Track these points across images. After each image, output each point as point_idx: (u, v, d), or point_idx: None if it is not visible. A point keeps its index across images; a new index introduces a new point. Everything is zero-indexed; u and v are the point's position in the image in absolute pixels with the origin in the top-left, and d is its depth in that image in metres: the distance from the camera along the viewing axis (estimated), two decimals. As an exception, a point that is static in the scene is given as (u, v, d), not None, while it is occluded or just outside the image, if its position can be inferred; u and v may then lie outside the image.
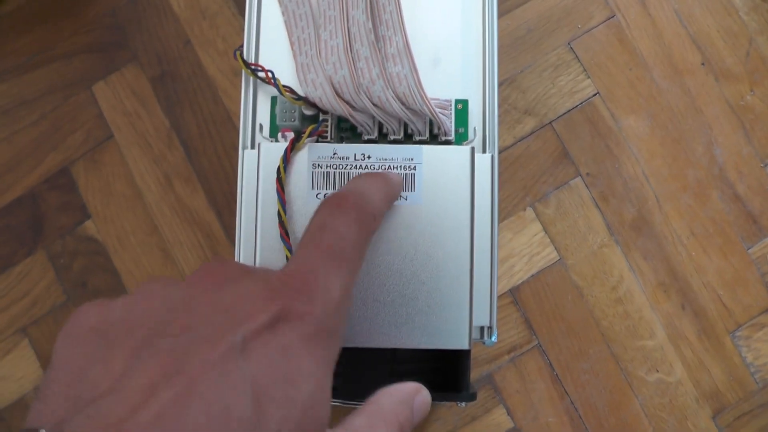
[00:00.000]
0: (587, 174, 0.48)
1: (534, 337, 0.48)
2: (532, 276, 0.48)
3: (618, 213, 0.48)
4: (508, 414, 0.47)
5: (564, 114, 0.49)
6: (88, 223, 0.50)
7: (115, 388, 0.16)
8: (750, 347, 0.47)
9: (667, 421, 0.47)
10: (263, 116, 0.33)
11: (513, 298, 0.48)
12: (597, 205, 0.48)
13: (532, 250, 0.48)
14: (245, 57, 0.33)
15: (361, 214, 0.22)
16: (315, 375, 0.18)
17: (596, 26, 0.49)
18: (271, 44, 0.34)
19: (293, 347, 0.18)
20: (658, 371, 0.47)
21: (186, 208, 0.49)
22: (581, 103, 0.49)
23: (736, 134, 0.48)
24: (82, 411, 0.16)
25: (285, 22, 0.33)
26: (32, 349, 0.49)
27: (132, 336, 0.18)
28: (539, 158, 0.48)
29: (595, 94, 0.49)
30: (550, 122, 0.49)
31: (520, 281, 0.48)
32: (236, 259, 0.32)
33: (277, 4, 0.34)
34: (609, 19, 0.49)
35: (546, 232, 0.48)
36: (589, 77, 0.49)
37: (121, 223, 0.50)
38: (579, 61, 0.49)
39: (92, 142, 0.50)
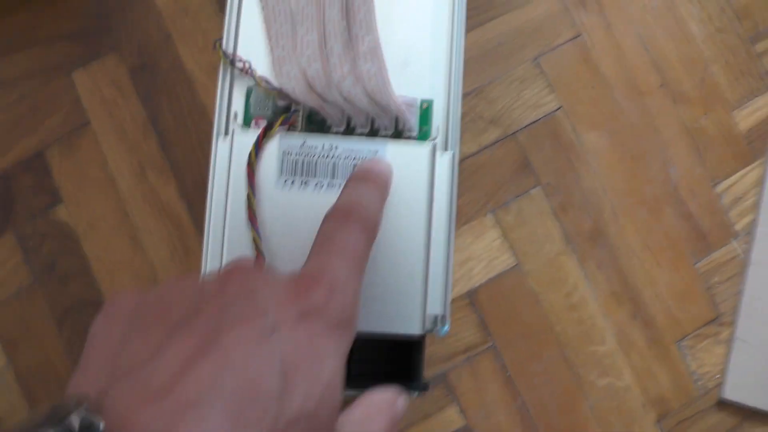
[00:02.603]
0: (547, 184, 0.50)
1: (489, 338, 0.49)
2: (490, 280, 0.50)
3: (575, 223, 0.50)
4: (461, 412, 0.48)
5: (528, 126, 0.51)
6: (60, 207, 0.51)
7: (154, 358, 0.18)
8: (694, 356, 0.49)
9: (614, 424, 0.48)
10: (238, 106, 0.34)
11: (470, 299, 0.49)
12: (555, 215, 0.50)
13: (491, 254, 0.50)
14: (224, 49, 0.34)
15: (365, 225, 0.25)
16: (335, 359, 0.20)
17: (563, 44, 0.52)
18: (250, 38, 0.35)
19: (318, 333, 0.20)
20: (608, 375, 0.49)
21: (158, 198, 0.50)
22: (545, 117, 0.51)
23: (690, 155, 0.51)
24: (124, 379, 0.17)
25: (264, 16, 0.35)
26: (-5, 331, 0.50)
27: (169, 315, 0.20)
28: (502, 167, 0.50)
29: (559, 109, 0.51)
30: (514, 133, 0.51)
31: (478, 284, 0.50)
32: (204, 241, 0.33)
33: (257, 2, 0.35)
34: (575, 38, 0.52)
35: (505, 238, 0.50)
36: (553, 92, 0.51)
37: (93, 209, 0.50)
38: (545, 76, 0.51)
39: (69, 127, 0.51)
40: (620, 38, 0.52)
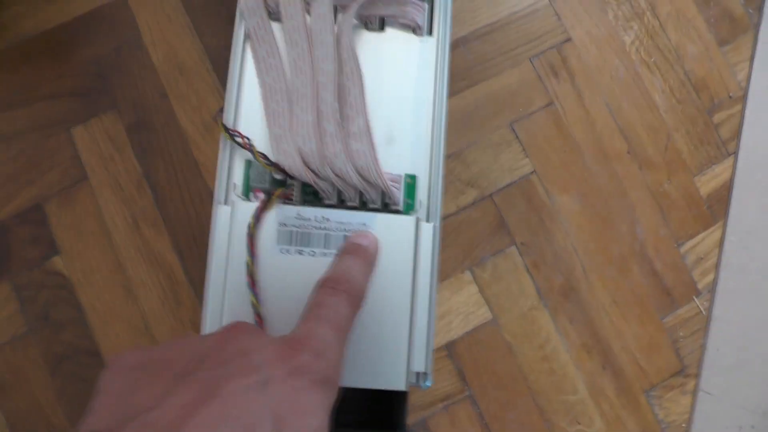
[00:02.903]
0: (522, 243, 0.54)
1: (466, 387, 0.52)
2: (467, 332, 0.52)
3: (548, 280, 0.53)
4: (440, 460, 0.51)
5: (503, 188, 0.54)
6: (56, 258, 0.52)
7: (159, 404, 0.21)
8: (661, 406, 0.52)
9: (583, 472, 0.51)
10: (237, 175, 0.37)
11: (449, 351, 0.52)
12: (529, 272, 0.53)
13: (468, 308, 0.53)
14: (225, 122, 0.37)
15: (351, 295, 0.29)
16: (320, 411, 0.23)
17: (536, 111, 0.55)
18: (248, 110, 0.38)
19: (305, 390, 0.23)
20: (579, 423, 0.51)
21: (150, 250, 0.52)
22: (519, 179, 0.54)
23: (655, 217, 0.54)
24: (131, 421, 0.20)
25: (262, 94, 0.37)
26: (-12, 377, 0.51)
27: (171, 368, 0.22)
28: (479, 226, 0.53)
29: (533, 172, 0.54)
30: (491, 195, 0.54)
31: (456, 336, 0.52)
32: (204, 301, 0.35)
33: (255, 76, 0.38)
34: (548, 105, 0.55)
35: (482, 294, 0.53)
36: (527, 156, 0.55)
37: (88, 260, 0.52)
38: (519, 141, 0.55)
39: (67, 182, 0.53)
40: (590, 107, 0.55)
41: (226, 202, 0.36)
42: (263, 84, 0.37)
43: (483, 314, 0.53)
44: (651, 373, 0.53)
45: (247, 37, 0.38)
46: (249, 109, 0.38)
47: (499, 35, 0.56)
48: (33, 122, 0.54)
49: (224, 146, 0.37)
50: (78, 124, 0.54)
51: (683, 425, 0.52)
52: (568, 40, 0.56)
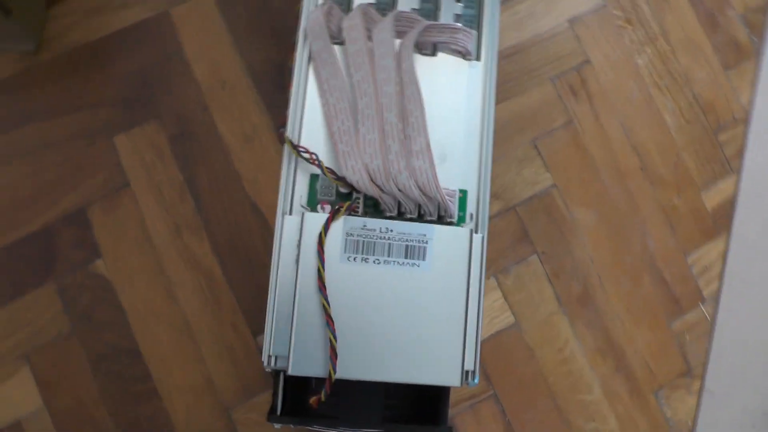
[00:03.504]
0: (543, 253, 0.57)
1: (491, 387, 0.55)
2: (491, 336, 0.56)
3: (566, 288, 0.57)
4: (466, 455, 0.54)
5: (526, 200, 0.58)
6: (99, 262, 0.55)
7: None
8: (669, 405, 0.56)
9: (598, 467, 0.55)
10: (302, 189, 0.40)
11: (476, 353, 0.55)
12: (549, 280, 0.57)
13: (492, 313, 0.56)
14: (291, 138, 0.40)
15: None
16: None
17: (557, 129, 0.59)
18: (310, 128, 0.41)
19: None
20: (594, 421, 0.55)
21: (191, 255, 0.55)
22: (541, 193, 0.58)
23: (665, 230, 0.58)
24: None
25: (325, 113, 0.41)
26: (32, 375, 0.53)
27: None
28: (503, 236, 0.57)
29: (553, 186, 0.58)
30: (514, 207, 0.58)
31: (482, 339, 0.56)
32: (270, 306, 0.38)
33: (317, 96, 0.41)
34: (568, 123, 0.59)
35: (505, 300, 0.56)
36: (548, 171, 0.58)
37: (130, 264, 0.55)
38: (541, 156, 0.59)
39: (110, 188, 0.56)
40: (606, 125, 0.59)
41: (290, 213, 0.39)
42: (326, 104, 0.41)
43: (506, 319, 0.56)
44: (660, 374, 0.57)
45: (310, 58, 0.42)
46: (310, 127, 0.41)
47: (523, 57, 0.60)
48: (77, 130, 0.56)
49: (288, 161, 0.40)
50: (121, 132, 0.56)
51: (689, 423, 0.56)
52: (587, 62, 0.60)
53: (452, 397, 0.54)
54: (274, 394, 0.43)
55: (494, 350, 0.56)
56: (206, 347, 0.54)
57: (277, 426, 0.44)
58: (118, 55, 0.58)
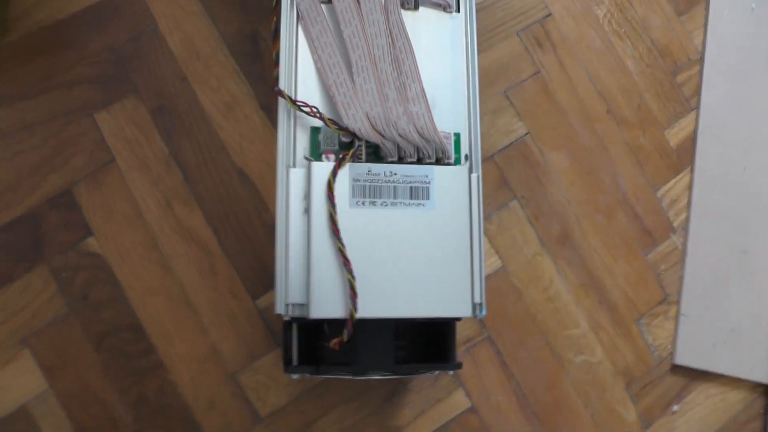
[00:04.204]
0: (522, 197, 0.60)
1: (485, 330, 0.58)
2: (481, 281, 0.58)
3: (546, 229, 0.60)
4: (467, 395, 0.56)
5: (502, 149, 0.60)
6: (90, 240, 0.55)
7: None
8: (650, 332, 0.60)
9: (591, 393, 0.58)
10: (304, 142, 0.41)
11: (469, 298, 0.58)
12: (531, 223, 0.60)
13: (480, 259, 0.59)
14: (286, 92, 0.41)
15: None
16: None
17: (526, 79, 0.62)
18: (304, 84, 0.42)
19: None
20: (583, 354, 0.58)
21: (184, 227, 0.56)
22: (516, 141, 0.61)
23: (634, 168, 0.62)
24: None
25: (318, 69, 0.42)
26: (33, 359, 0.53)
27: None
28: (484, 185, 0.58)
29: (527, 134, 0.61)
30: (492, 156, 0.60)
31: (472, 285, 0.58)
32: (279, 253, 0.39)
33: (308, 55, 0.43)
34: (535, 74, 0.62)
35: (491, 245, 0.59)
36: (521, 120, 0.61)
37: (122, 240, 0.55)
38: (513, 106, 0.61)
39: (94, 165, 0.56)
40: (571, 73, 0.62)
41: (294, 166, 0.41)
42: (319, 60, 0.42)
43: (494, 263, 0.59)
44: (639, 304, 0.60)
45: (299, 17, 0.43)
46: (304, 82, 0.42)
47: (488, 14, 0.62)
48: (53, 110, 0.56)
49: (286, 117, 0.42)
50: (100, 109, 0.56)
51: (668, 347, 0.60)
52: (549, 15, 0.63)
53: (449, 342, 0.56)
54: (286, 348, 0.45)
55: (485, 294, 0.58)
56: (207, 316, 0.55)
57: (294, 376, 0.46)
58: (88, 32, 0.57)
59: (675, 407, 0.59)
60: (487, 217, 0.59)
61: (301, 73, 0.42)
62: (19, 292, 0.53)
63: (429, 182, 0.40)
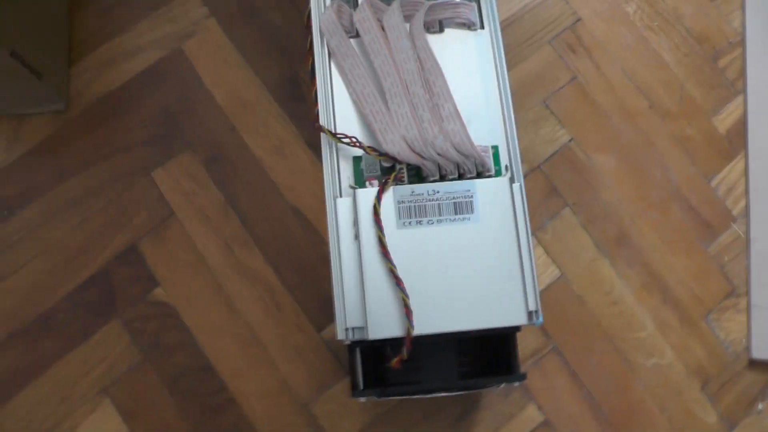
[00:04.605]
0: (573, 204, 0.60)
1: (550, 341, 0.57)
2: (541, 291, 0.58)
3: (602, 232, 0.59)
4: (539, 409, 0.56)
5: (548, 158, 0.61)
6: (158, 290, 0.57)
7: None
8: (721, 327, 0.58)
9: (665, 397, 0.56)
10: (348, 171, 0.43)
11: (530, 309, 0.58)
12: (584, 228, 0.59)
13: (539, 270, 0.59)
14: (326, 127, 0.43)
15: None
16: None
17: (563, 86, 0.62)
18: (342, 116, 0.44)
19: None
20: (653, 356, 0.57)
21: (246, 268, 0.58)
22: (560, 148, 0.61)
23: (683, 160, 0.61)
24: None
25: (354, 100, 0.43)
26: (113, 407, 0.55)
27: None
28: (534, 196, 0.60)
29: (570, 140, 0.61)
30: (539, 166, 0.60)
31: (532, 296, 0.58)
32: (336, 281, 0.41)
33: (344, 88, 0.44)
34: (572, 80, 0.62)
35: (548, 254, 0.59)
36: (563, 127, 0.61)
37: (188, 287, 0.58)
38: (554, 114, 0.61)
39: (156, 221, 0.59)
40: (608, 74, 0.62)
41: (341, 196, 0.42)
42: (354, 92, 0.44)
43: (552, 272, 0.59)
44: (706, 299, 0.59)
45: (330, 54, 0.45)
46: (341, 115, 0.44)
47: (518, 27, 0.63)
48: (114, 174, 0.60)
49: (329, 150, 0.43)
50: (157, 167, 0.60)
51: (743, 341, 0.58)
52: (579, 20, 0.63)
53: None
54: (353, 372, 0.46)
55: (546, 305, 0.58)
56: (275, 351, 0.56)
57: (362, 400, 0.47)
58: (141, 97, 0.61)
59: (760, 406, 0.57)
60: (540, 227, 0.59)
61: (339, 107, 0.44)
62: (97, 345, 0.56)
63: (472, 196, 0.41)
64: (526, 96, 0.61)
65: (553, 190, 0.60)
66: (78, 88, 0.61)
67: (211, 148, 0.60)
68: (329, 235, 0.42)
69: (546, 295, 0.58)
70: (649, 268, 0.59)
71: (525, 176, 0.60)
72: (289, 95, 0.61)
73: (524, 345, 0.57)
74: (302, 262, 0.58)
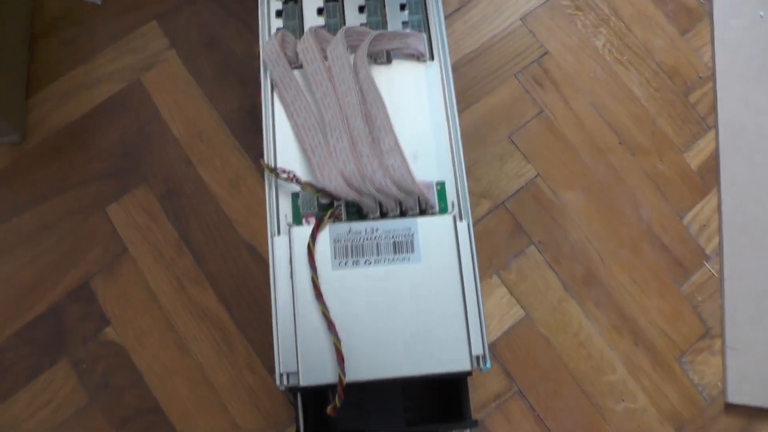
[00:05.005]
0: (539, 242, 0.58)
1: (513, 384, 0.55)
2: (504, 332, 0.56)
3: (569, 271, 0.57)
4: (503, 456, 0.53)
5: (513, 194, 0.59)
6: (108, 330, 0.55)
7: None
8: (695, 370, 0.55)
9: (637, 444, 0.54)
10: (286, 208, 0.41)
11: (491, 352, 0.55)
12: (551, 267, 0.57)
13: (501, 310, 0.56)
14: (267, 163, 0.41)
15: None
16: None
17: (529, 121, 0.60)
18: (283, 149, 0.42)
19: None
20: (623, 401, 0.54)
21: (198, 307, 0.56)
22: (526, 184, 0.59)
23: (655, 196, 0.59)
24: None
25: (295, 133, 0.42)
26: (59, 453, 0.53)
27: None
28: (498, 233, 0.58)
29: (536, 176, 0.59)
30: (503, 202, 0.58)
31: (495, 338, 0.56)
32: (274, 320, 0.38)
33: (286, 119, 0.43)
34: (539, 114, 0.60)
35: (512, 294, 0.57)
36: (529, 162, 0.59)
37: (139, 325, 0.56)
38: (519, 150, 0.60)
39: (109, 257, 0.57)
40: (576, 108, 0.61)
41: (279, 234, 0.40)
42: (295, 124, 0.42)
43: (516, 313, 0.56)
44: (679, 341, 0.56)
45: (273, 85, 0.43)
46: (284, 148, 0.42)
47: (484, 59, 0.61)
48: (69, 208, 0.58)
49: (269, 185, 0.41)
50: (111, 202, 0.58)
51: (718, 384, 0.55)
52: (546, 53, 0.62)
53: (478, 401, 0.54)
54: (296, 416, 0.43)
55: (510, 346, 0.55)
56: (226, 393, 0.54)
57: (305, 448, 0.44)
58: (98, 129, 0.60)
59: (738, 452, 0.54)
60: (504, 266, 0.57)
61: (280, 140, 0.42)
62: (44, 387, 0.54)
63: (412, 234, 0.39)
64: (491, 130, 0.60)
65: (518, 227, 0.58)
66: (35, 120, 0.60)
67: (167, 182, 0.58)
68: (270, 273, 0.40)
69: (509, 336, 0.56)
70: (619, 308, 0.57)
71: (488, 213, 0.58)
72: (247, 127, 0.60)
73: (485, 388, 0.54)
74: (255, 301, 0.56)
